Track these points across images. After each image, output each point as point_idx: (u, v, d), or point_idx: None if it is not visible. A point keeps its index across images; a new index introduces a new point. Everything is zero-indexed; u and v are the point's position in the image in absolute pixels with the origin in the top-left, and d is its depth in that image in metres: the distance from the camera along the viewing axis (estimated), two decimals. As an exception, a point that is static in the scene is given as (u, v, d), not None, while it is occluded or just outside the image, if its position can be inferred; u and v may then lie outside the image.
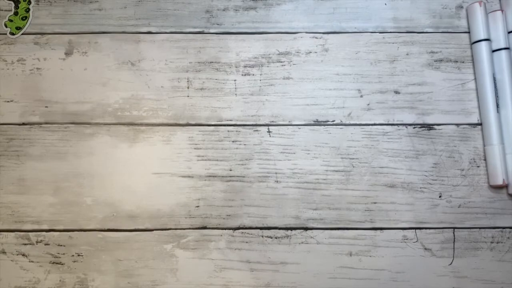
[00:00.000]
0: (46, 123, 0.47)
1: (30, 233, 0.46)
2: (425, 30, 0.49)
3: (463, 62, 0.48)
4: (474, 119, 0.48)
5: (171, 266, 0.45)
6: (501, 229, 0.46)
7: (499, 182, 0.45)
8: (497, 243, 0.46)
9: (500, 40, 0.47)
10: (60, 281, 0.45)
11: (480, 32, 0.47)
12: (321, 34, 0.49)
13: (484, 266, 0.46)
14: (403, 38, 0.49)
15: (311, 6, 0.50)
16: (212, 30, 0.49)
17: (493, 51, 0.47)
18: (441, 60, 0.49)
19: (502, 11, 0.47)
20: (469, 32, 0.49)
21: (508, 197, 0.47)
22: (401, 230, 0.46)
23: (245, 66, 0.49)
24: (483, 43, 0.47)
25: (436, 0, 0.49)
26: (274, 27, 0.49)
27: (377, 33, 0.49)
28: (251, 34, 0.49)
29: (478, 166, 0.47)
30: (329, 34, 0.49)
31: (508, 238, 0.46)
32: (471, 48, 0.48)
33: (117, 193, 0.46)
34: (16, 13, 0.48)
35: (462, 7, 0.49)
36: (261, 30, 0.49)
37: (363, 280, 0.45)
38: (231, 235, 0.45)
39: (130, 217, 0.46)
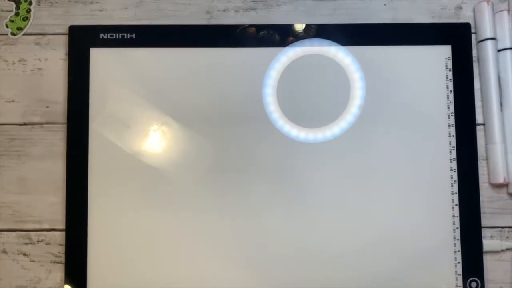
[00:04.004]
0: (47, 123, 0.47)
1: (31, 233, 0.46)
2: (424, 31, 0.50)
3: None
4: (473, 119, 0.48)
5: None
6: (500, 228, 0.47)
7: (500, 180, 0.46)
8: (496, 242, 0.46)
9: (505, 40, 0.47)
10: (61, 280, 0.46)
11: (486, 30, 0.47)
12: (321, 35, 0.49)
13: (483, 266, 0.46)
14: (403, 39, 0.50)
15: (311, 7, 0.50)
16: (212, 31, 0.49)
17: (498, 50, 0.47)
18: (440, 61, 0.49)
19: (508, 11, 0.48)
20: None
21: (507, 197, 0.47)
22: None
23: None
24: (489, 41, 0.47)
25: (435, 0, 0.50)
26: (274, 28, 0.49)
27: (377, 34, 0.49)
28: (251, 34, 0.49)
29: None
30: (329, 35, 0.49)
31: (507, 237, 0.46)
32: (476, 48, 0.48)
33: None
34: (17, 14, 0.49)
35: (461, 7, 0.49)
36: (261, 30, 0.49)
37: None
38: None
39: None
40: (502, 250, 0.46)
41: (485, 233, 0.46)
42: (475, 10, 0.49)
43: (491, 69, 0.47)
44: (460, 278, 0.45)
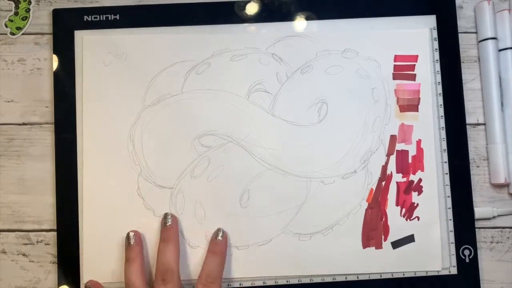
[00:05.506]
0: (47, 123, 0.47)
1: (30, 233, 0.46)
2: (425, 30, 0.49)
3: (463, 62, 0.48)
4: (474, 119, 0.48)
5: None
6: (501, 229, 0.46)
7: (501, 180, 0.46)
8: (497, 243, 0.46)
9: (506, 40, 0.47)
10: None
11: (487, 30, 0.47)
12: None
13: (484, 266, 0.46)
14: (403, 38, 0.49)
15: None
16: (212, 30, 0.49)
17: (499, 50, 0.47)
18: (441, 60, 0.49)
19: (509, 10, 0.47)
20: (469, 33, 0.49)
21: (508, 197, 0.47)
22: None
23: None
24: (490, 41, 0.47)
25: (436, 0, 0.50)
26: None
27: (377, 33, 0.49)
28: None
29: (478, 166, 0.47)
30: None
31: (508, 238, 0.46)
32: (477, 48, 0.48)
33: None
34: (16, 13, 0.48)
35: (462, 7, 0.49)
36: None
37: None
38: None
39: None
40: (494, 217, 0.46)
41: (486, 233, 0.46)
42: (476, 10, 0.48)
43: (492, 69, 0.47)
44: (453, 246, 0.45)
